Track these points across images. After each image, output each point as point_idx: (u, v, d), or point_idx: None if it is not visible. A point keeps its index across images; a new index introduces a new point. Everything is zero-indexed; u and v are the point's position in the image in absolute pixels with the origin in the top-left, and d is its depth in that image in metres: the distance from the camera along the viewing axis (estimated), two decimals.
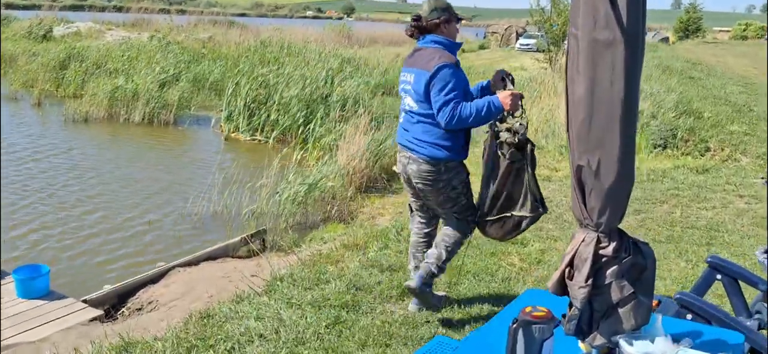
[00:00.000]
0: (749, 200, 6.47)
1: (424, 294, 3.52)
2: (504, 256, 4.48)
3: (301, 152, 10.11)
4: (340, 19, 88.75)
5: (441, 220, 3.71)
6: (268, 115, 12.16)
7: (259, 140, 11.95)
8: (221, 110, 13.09)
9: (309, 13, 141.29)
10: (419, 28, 3.55)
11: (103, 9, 77.50)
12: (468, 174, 3.61)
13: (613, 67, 1.38)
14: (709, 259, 2.53)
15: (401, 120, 3.59)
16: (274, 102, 12.28)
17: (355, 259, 4.35)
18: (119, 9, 66.35)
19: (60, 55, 17.77)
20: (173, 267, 5.74)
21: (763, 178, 7.47)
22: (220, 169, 8.78)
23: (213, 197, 7.65)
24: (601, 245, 1.50)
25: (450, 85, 3.26)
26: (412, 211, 3.82)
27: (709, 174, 7.76)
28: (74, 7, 73.87)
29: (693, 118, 10.07)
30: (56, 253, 6.31)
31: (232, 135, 12.41)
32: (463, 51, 36.82)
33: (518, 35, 43.52)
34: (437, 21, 3.48)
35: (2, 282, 4.98)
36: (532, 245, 4.72)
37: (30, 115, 13.73)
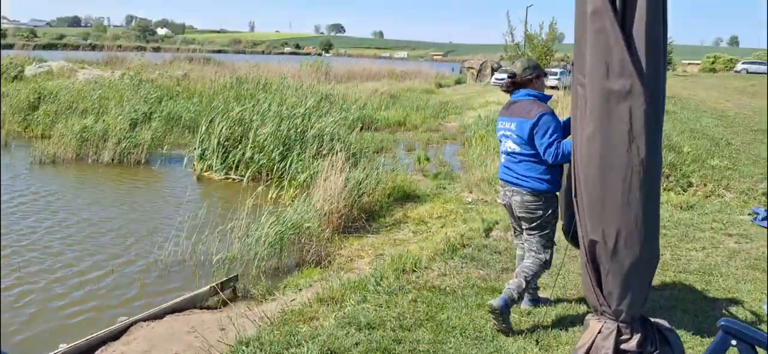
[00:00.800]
0: (739, 239, 6.29)
1: (504, 315, 3.87)
2: None
3: (277, 191, 9.82)
4: (319, 54, 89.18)
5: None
6: (243, 153, 11.84)
7: (233, 179, 11.60)
8: (194, 148, 12.72)
9: (287, 49, 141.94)
10: (514, 84, 4.26)
11: (77, 47, 76.85)
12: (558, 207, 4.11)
13: (630, 122, 1.12)
14: (722, 324, 2.26)
15: (503, 160, 4.29)
16: (249, 140, 11.98)
17: (331, 315, 4.01)
18: (93, 47, 65.80)
19: (30, 95, 17.27)
20: (135, 322, 5.34)
21: (750, 214, 7.33)
22: (189, 212, 8.39)
23: (181, 242, 7.26)
24: (622, 337, 1.23)
25: (551, 129, 3.87)
26: (516, 233, 4.46)
27: (695, 211, 7.61)
28: (49, 46, 73.19)
29: (674, 152, 9.98)
30: (7, 305, 5.84)
31: (206, 174, 12.03)
32: (439, 86, 37.11)
33: (493, 70, 44.05)
34: (530, 77, 4.18)
35: None
36: None
37: None
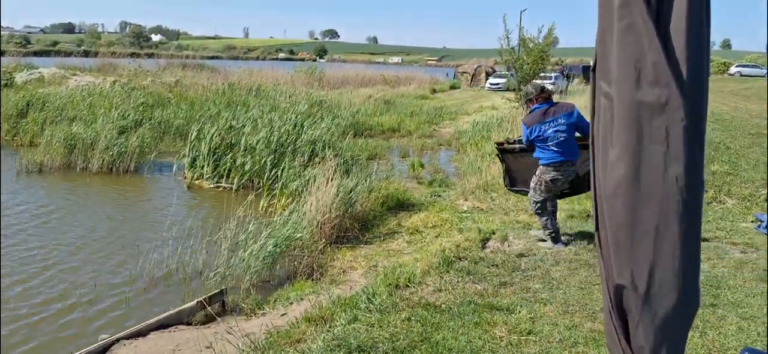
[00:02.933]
0: (744, 248, 6.09)
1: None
2: (489, 326, 3.95)
3: (268, 199, 9.58)
4: (313, 60, 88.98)
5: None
6: (234, 161, 11.61)
7: (224, 187, 11.36)
8: (185, 156, 12.47)
9: (281, 54, 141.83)
10: (545, 98, 5.98)
11: (69, 54, 76.38)
12: None
13: (666, 141, 0.89)
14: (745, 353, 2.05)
15: (555, 148, 5.79)
16: (240, 147, 11.75)
17: (319, 337, 3.76)
18: (87, 54, 65.40)
19: (18, 103, 16.98)
20: (117, 340, 5.10)
21: (753, 222, 7.14)
22: (177, 222, 8.14)
23: (167, 254, 7.02)
24: None
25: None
26: (547, 208, 6.20)
27: None
28: (42, 53, 72.72)
29: None
30: None
31: (196, 182, 11.78)
32: (434, 91, 36.95)
33: (488, 75, 43.93)
34: (551, 93, 6.09)
35: None
36: (519, 312, 4.20)
37: None
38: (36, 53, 67.04)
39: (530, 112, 6.05)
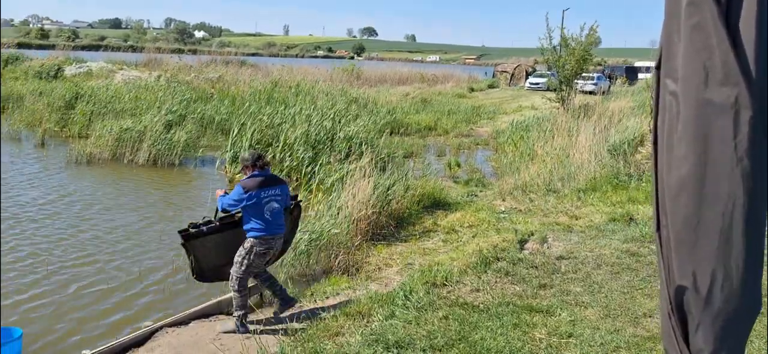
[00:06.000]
0: None
1: None
2: (528, 328, 3.91)
3: (305, 194, 9.69)
4: (351, 58, 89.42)
5: None
6: (273, 156, 11.78)
7: None
8: (227, 151, 12.73)
9: (319, 52, 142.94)
10: (261, 166, 5.36)
11: (118, 49, 78.78)
12: None
13: (734, 141, 0.87)
14: None
15: (270, 218, 5.24)
16: (280, 142, 11.92)
17: (357, 332, 3.79)
18: (133, 49, 67.30)
19: (66, 94, 17.56)
20: (160, 327, 5.24)
21: None
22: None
23: None
24: None
25: None
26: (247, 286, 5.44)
27: None
28: (91, 47, 75.20)
29: None
30: (29, 309, 5.81)
31: (238, 176, 11.99)
32: (471, 90, 36.73)
33: (527, 74, 43.40)
34: (268, 163, 5.55)
35: None
36: (559, 314, 4.15)
37: (31, 156, 13.40)
38: (84, 47, 69.25)
39: (248, 178, 5.30)
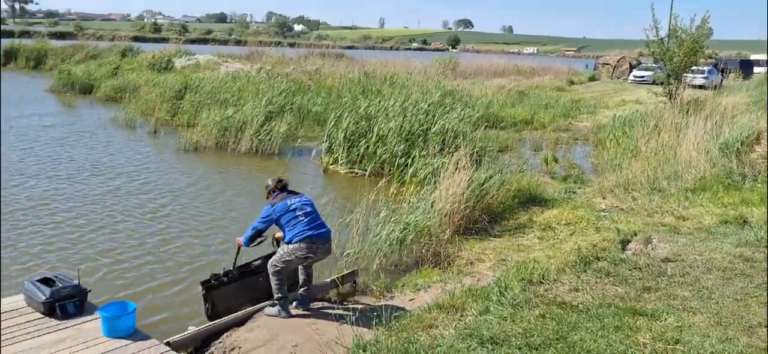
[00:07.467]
0: None
1: None
2: (631, 332, 3.72)
3: (398, 186, 9.76)
4: (446, 50, 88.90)
5: None
6: (367, 147, 11.97)
7: (356, 173, 11.75)
8: (323, 142, 13.10)
9: (414, 44, 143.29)
10: (282, 187, 5.52)
11: (224, 42, 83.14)
12: None
13: None
14: None
15: (304, 218, 5.28)
16: (373, 134, 12.08)
17: (451, 325, 3.77)
18: (238, 42, 70.76)
19: (175, 85, 18.75)
20: (260, 309, 5.48)
21: None
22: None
23: None
24: None
25: None
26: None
27: None
28: (200, 41, 79.95)
29: None
30: (145, 285, 6.29)
31: (332, 167, 12.31)
32: (571, 83, 35.39)
33: (631, 67, 41.26)
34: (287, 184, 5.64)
35: (89, 319, 4.91)
36: (665, 319, 3.91)
37: (145, 142, 14.47)
38: (192, 41, 73.71)
39: (272, 198, 5.42)
